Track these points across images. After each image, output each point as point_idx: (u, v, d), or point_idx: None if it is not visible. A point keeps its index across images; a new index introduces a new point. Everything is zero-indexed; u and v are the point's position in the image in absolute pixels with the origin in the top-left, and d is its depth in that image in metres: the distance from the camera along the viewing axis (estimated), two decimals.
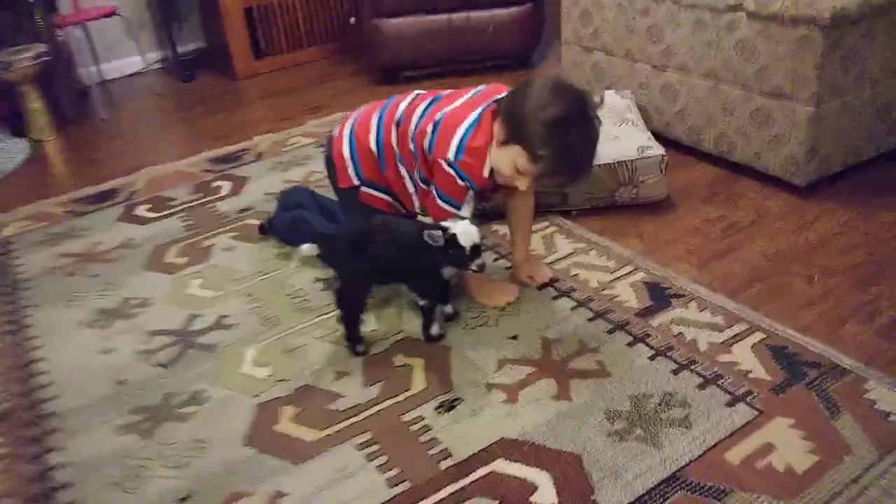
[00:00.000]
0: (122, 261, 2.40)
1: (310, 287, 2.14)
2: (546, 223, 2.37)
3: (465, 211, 1.79)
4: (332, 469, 1.50)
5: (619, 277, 2.05)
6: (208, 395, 1.75)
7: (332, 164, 2.04)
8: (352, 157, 2.00)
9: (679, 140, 2.74)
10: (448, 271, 1.76)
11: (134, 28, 4.16)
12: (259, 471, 1.51)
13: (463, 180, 1.78)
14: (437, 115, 1.83)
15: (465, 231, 1.67)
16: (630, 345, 1.78)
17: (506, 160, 1.71)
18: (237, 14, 4.21)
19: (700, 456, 1.44)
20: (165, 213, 2.71)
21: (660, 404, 1.58)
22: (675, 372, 1.67)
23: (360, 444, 1.55)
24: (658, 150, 2.35)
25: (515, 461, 1.47)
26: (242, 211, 2.65)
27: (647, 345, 1.77)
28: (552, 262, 2.14)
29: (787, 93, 2.30)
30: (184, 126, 3.65)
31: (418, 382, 1.72)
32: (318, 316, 2.00)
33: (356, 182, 2.01)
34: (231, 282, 2.21)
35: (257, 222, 2.52)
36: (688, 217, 2.34)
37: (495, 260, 2.19)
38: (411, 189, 1.97)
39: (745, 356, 1.70)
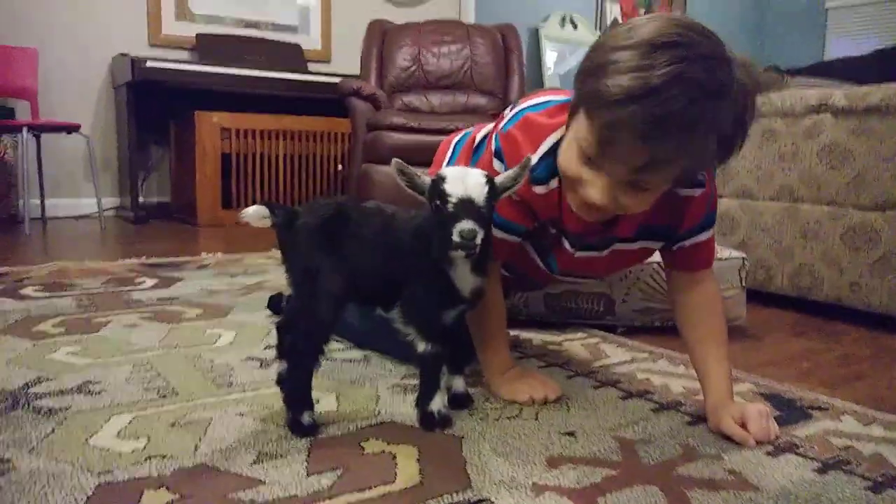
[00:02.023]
0: None
1: (238, 364, 1.40)
2: (584, 334, 1.70)
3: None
4: None
5: None
6: (11, 466, 0.94)
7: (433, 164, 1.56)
8: (455, 148, 1.48)
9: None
10: (462, 275, 1.06)
11: (95, 168, 3.70)
12: None
13: (499, 161, 1.17)
14: None
15: (458, 176, 0.99)
16: (772, 455, 1.04)
17: (566, 145, 1.06)
18: (213, 156, 3.81)
19: None
20: (58, 293, 1.98)
21: None
22: (874, 490, 0.93)
23: None
24: (737, 252, 1.77)
25: None
26: (165, 299, 1.94)
27: (802, 456, 1.04)
28: (604, 367, 1.44)
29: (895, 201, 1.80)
30: (120, 247, 3.01)
31: (407, 475, 0.95)
32: (241, 392, 1.24)
33: None
34: (119, 353, 1.45)
35: (180, 309, 1.82)
36: (779, 347, 1.69)
37: (519, 358, 1.48)
38: None
39: None
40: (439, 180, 0.99)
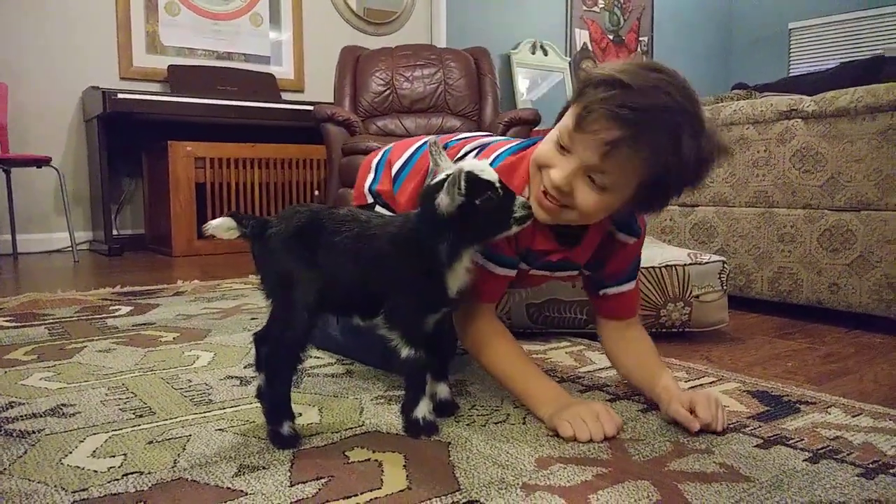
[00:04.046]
0: None
1: (217, 383, 1.37)
2: (568, 343, 1.68)
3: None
4: None
5: (701, 385, 1.34)
6: None
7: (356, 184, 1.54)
8: (377, 167, 1.47)
9: None
10: (458, 274, 1.06)
11: (67, 201, 3.65)
12: None
13: None
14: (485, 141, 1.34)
15: (478, 167, 1.03)
16: (762, 447, 1.03)
17: (545, 141, 1.12)
18: (187, 186, 3.77)
19: None
20: (30, 323, 1.93)
21: None
22: (866, 476, 0.92)
23: None
24: (716, 257, 1.78)
25: None
26: (140, 325, 1.90)
27: (792, 447, 1.03)
28: (589, 373, 1.43)
29: (870, 201, 1.82)
30: (94, 278, 2.95)
31: (394, 481, 0.92)
32: (221, 409, 1.21)
33: (369, 198, 1.46)
34: (94, 377, 1.41)
35: (156, 334, 1.78)
36: (764, 348, 1.69)
37: None
38: None
39: None
40: (475, 175, 1.01)
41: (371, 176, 1.47)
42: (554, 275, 1.30)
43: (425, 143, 1.42)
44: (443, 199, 1.00)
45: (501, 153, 1.23)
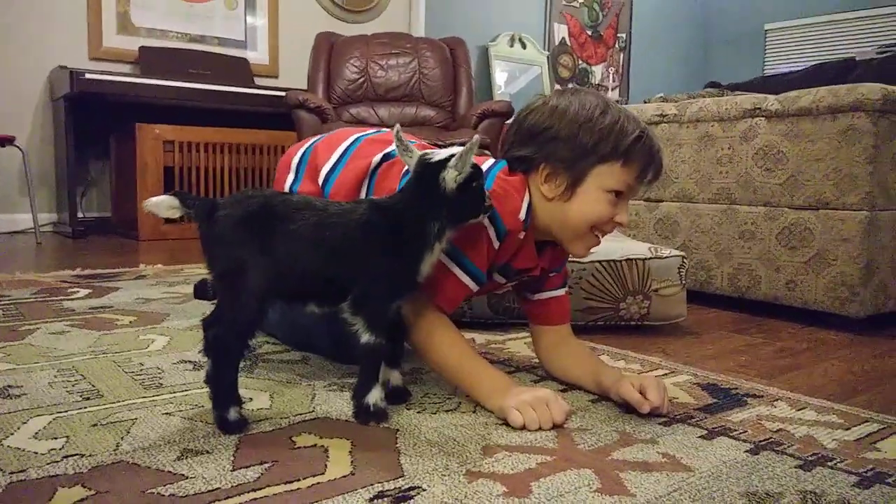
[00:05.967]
0: None
1: (169, 367, 1.35)
2: (527, 334, 1.69)
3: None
4: None
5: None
6: None
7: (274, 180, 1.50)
8: (298, 167, 1.40)
9: None
10: (432, 258, 1.08)
11: (31, 181, 3.58)
12: None
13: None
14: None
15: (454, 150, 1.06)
16: (706, 438, 1.05)
17: (591, 199, 1.17)
18: (155, 170, 3.72)
19: None
20: None
21: None
22: (804, 468, 0.94)
23: None
24: (676, 252, 1.79)
25: None
26: (97, 308, 1.88)
27: (735, 438, 1.04)
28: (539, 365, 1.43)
29: (828, 200, 1.85)
30: (55, 260, 2.90)
31: (338, 467, 0.92)
32: (171, 393, 1.20)
33: None
34: (44, 359, 1.39)
35: (112, 317, 1.76)
36: (719, 342, 1.71)
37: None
38: None
39: None
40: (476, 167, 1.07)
41: (291, 176, 1.40)
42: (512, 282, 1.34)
43: (356, 140, 1.37)
44: (450, 175, 1.03)
45: (491, 169, 1.22)
